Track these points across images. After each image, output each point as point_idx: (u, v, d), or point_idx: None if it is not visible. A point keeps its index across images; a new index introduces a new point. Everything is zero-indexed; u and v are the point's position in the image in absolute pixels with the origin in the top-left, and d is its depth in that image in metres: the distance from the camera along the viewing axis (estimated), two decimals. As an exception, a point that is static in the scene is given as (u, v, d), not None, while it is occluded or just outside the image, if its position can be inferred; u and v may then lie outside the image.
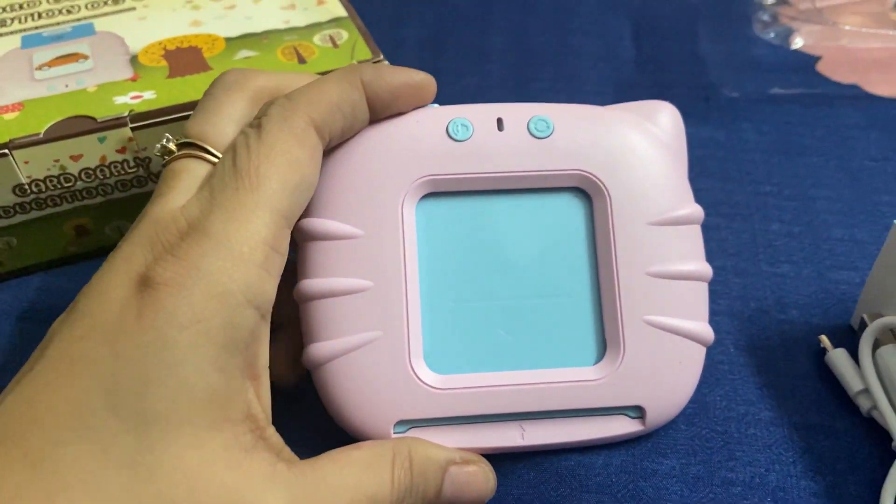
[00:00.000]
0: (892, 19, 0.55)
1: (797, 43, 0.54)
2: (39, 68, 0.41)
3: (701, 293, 0.33)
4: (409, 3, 0.61)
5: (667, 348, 0.32)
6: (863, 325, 0.35)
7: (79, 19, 0.45)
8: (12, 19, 0.45)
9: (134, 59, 0.42)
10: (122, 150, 0.38)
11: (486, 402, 0.31)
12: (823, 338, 0.36)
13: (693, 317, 0.33)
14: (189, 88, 0.39)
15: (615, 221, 0.33)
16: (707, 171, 0.46)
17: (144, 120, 0.38)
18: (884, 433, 0.33)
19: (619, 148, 0.34)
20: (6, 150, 0.36)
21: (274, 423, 0.29)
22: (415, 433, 0.31)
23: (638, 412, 0.32)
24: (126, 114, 0.38)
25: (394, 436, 0.31)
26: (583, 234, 0.34)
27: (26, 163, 0.37)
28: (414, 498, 0.29)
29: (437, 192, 0.33)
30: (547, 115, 0.34)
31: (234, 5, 0.45)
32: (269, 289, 0.28)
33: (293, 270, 0.32)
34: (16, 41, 0.43)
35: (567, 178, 0.33)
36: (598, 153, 0.33)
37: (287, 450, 0.28)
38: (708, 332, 0.33)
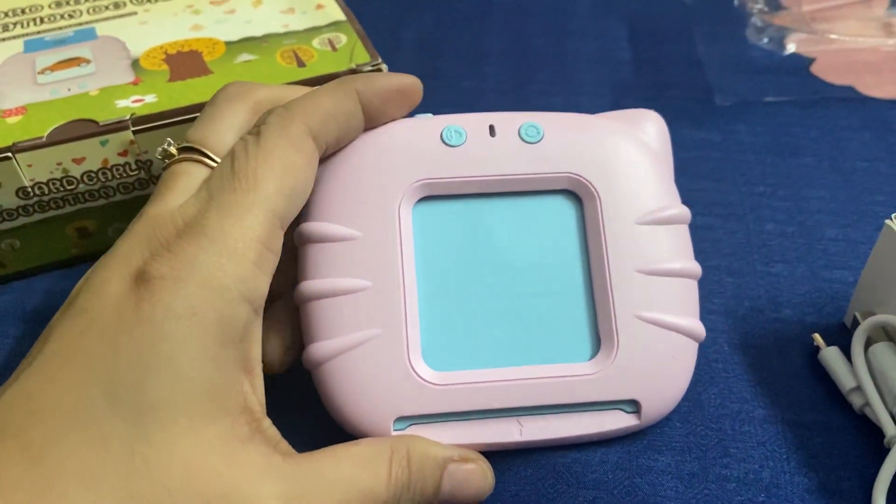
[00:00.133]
0: (882, 25, 0.55)
1: (790, 48, 0.54)
2: (42, 72, 0.41)
3: (690, 290, 0.34)
4: (407, 6, 0.62)
5: (659, 343, 0.33)
6: (855, 324, 0.36)
7: (80, 24, 0.45)
8: (15, 24, 0.46)
9: (135, 63, 0.42)
10: (123, 153, 0.38)
11: (484, 397, 0.32)
12: (816, 336, 0.36)
13: (684, 313, 0.34)
14: (190, 92, 0.40)
15: (605, 222, 0.34)
16: (702, 172, 0.47)
17: (146, 123, 0.38)
18: (876, 430, 0.34)
19: (608, 152, 0.35)
20: (9, 154, 0.37)
21: (275, 424, 0.29)
22: (414, 430, 0.32)
23: (633, 407, 0.33)
24: (128, 117, 0.38)
25: (394, 433, 0.32)
26: (574, 234, 0.35)
27: (29, 166, 0.37)
28: (412, 495, 0.29)
29: (433, 196, 0.34)
30: (537, 121, 0.35)
31: (235, 9, 0.46)
32: (261, 285, 0.29)
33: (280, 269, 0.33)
34: (18, 46, 0.44)
35: (558, 180, 0.34)
36: (586, 157, 0.34)
37: (284, 442, 0.29)
38: (699, 328, 0.34)
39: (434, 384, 0.32)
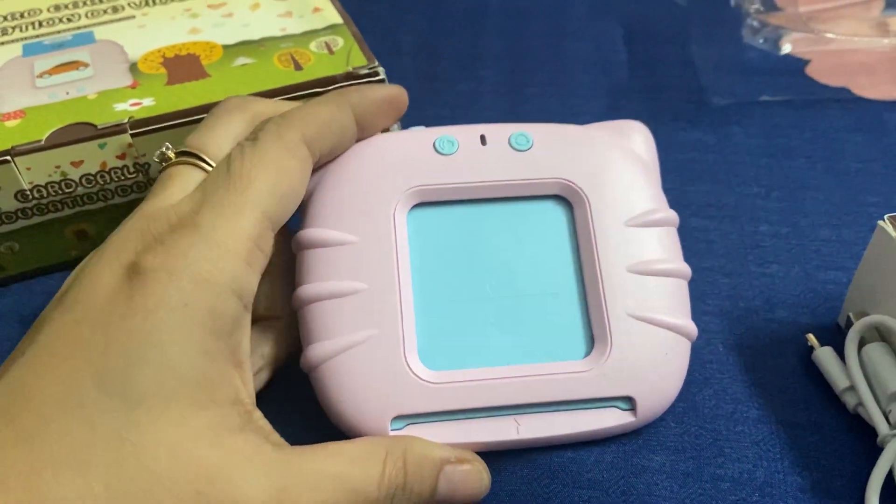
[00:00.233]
0: (878, 25, 0.56)
1: (786, 48, 0.55)
2: (41, 76, 0.42)
3: (680, 290, 0.35)
4: (404, 10, 0.62)
5: (651, 341, 0.33)
6: (849, 324, 0.36)
7: (79, 27, 0.46)
8: (14, 28, 0.46)
9: (133, 67, 0.42)
10: (121, 156, 0.39)
11: (480, 394, 0.32)
12: (810, 336, 0.37)
13: (675, 311, 0.34)
14: (188, 95, 0.40)
15: (595, 224, 0.35)
16: (696, 174, 0.47)
17: (144, 126, 0.38)
18: (869, 429, 0.34)
19: (596, 158, 0.36)
20: (8, 157, 0.37)
21: (274, 427, 0.30)
22: (412, 430, 0.32)
23: (629, 404, 0.33)
24: (126, 120, 0.38)
25: (391, 433, 0.32)
26: (566, 236, 0.36)
27: (28, 169, 0.38)
28: (407, 496, 0.29)
29: (427, 203, 0.35)
30: (526, 131, 0.36)
31: (232, 13, 0.46)
32: (251, 281, 0.30)
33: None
34: (17, 49, 0.44)
35: (548, 185, 0.36)
36: (575, 163, 0.36)
37: (276, 434, 0.29)
38: (691, 327, 0.34)
39: (430, 382, 0.32)
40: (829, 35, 0.54)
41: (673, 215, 0.36)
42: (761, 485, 0.33)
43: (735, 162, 0.48)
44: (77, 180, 0.39)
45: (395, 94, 0.36)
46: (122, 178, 0.39)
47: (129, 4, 0.47)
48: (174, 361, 0.27)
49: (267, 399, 0.32)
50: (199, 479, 0.26)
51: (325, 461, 0.28)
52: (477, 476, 0.31)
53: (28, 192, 0.38)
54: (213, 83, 0.41)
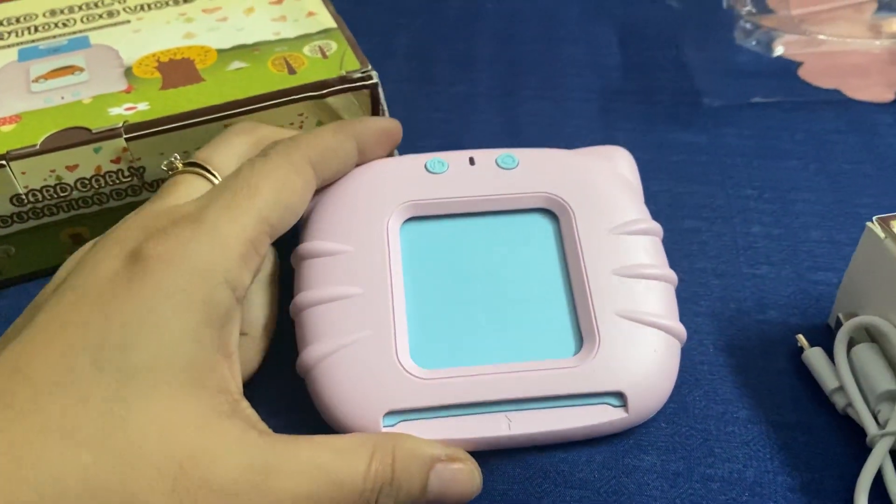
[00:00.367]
0: (870, 28, 0.56)
1: (778, 50, 0.55)
2: (36, 81, 0.42)
3: (667, 293, 0.36)
4: (398, 14, 0.62)
5: (639, 338, 0.34)
6: (839, 325, 0.36)
7: (74, 32, 0.46)
8: (9, 33, 0.46)
9: (128, 72, 0.42)
10: (116, 161, 0.39)
11: (471, 389, 0.33)
12: (800, 337, 0.37)
13: (662, 312, 0.35)
14: (182, 100, 0.40)
15: (580, 232, 0.37)
16: (689, 176, 0.47)
17: (138, 131, 0.38)
18: (858, 430, 0.34)
19: (579, 174, 0.39)
20: (4, 162, 0.37)
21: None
22: (404, 426, 0.32)
23: (620, 400, 0.33)
24: (120, 125, 0.38)
25: (383, 429, 0.32)
26: (552, 245, 0.37)
27: (23, 173, 0.38)
28: (396, 492, 0.30)
29: (419, 216, 0.37)
30: (512, 153, 0.39)
31: (227, 17, 0.46)
32: (245, 278, 0.31)
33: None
34: (13, 54, 0.44)
35: (534, 199, 0.38)
36: (559, 179, 0.38)
37: (263, 424, 0.30)
38: (679, 328, 0.35)
39: (421, 378, 0.33)
40: (821, 37, 0.54)
41: (657, 226, 0.38)
42: (751, 484, 0.33)
43: (728, 163, 0.48)
44: (72, 184, 0.39)
45: (393, 127, 0.39)
46: (117, 181, 0.40)
47: (124, 9, 0.48)
48: (168, 344, 0.28)
49: (263, 406, 0.32)
50: (183, 456, 0.26)
51: (311, 451, 0.29)
52: (469, 475, 0.31)
53: (23, 196, 0.39)
54: (207, 87, 0.41)
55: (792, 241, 0.43)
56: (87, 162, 0.39)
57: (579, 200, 0.38)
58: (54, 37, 0.46)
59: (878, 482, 0.32)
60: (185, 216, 0.31)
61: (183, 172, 0.34)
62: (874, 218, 0.34)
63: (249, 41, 0.44)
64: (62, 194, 0.39)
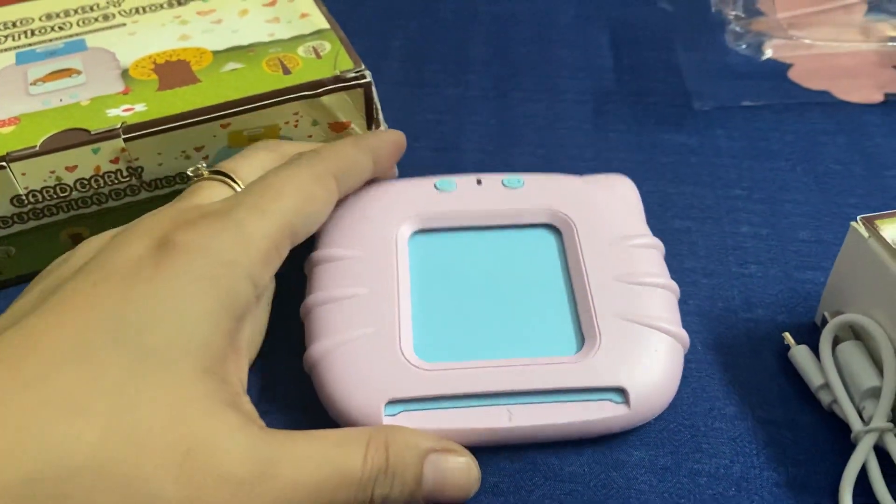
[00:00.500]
0: (860, 30, 0.56)
1: (768, 53, 0.55)
2: (34, 83, 0.42)
3: (669, 300, 0.37)
4: (393, 16, 0.63)
5: (641, 338, 0.35)
6: (824, 323, 0.36)
7: (71, 36, 0.46)
8: (6, 37, 0.46)
9: (125, 73, 0.43)
10: (115, 161, 0.39)
11: (472, 380, 0.33)
12: (787, 335, 0.37)
13: (663, 316, 0.35)
14: (178, 100, 0.41)
15: (582, 244, 0.38)
16: (680, 177, 0.48)
17: (136, 131, 0.39)
18: (843, 426, 0.35)
19: (582, 193, 0.40)
20: (4, 163, 0.38)
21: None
22: (405, 416, 0.33)
23: (622, 396, 0.34)
24: (118, 126, 0.39)
25: (384, 418, 0.33)
26: (555, 255, 0.39)
27: (23, 174, 0.38)
28: (391, 482, 0.30)
29: (427, 229, 0.39)
30: (518, 176, 0.41)
31: (221, 19, 0.47)
32: (266, 277, 0.32)
33: None
34: (10, 58, 0.45)
35: (538, 213, 0.40)
36: (563, 197, 0.40)
37: (261, 421, 0.30)
38: (681, 333, 0.35)
39: (424, 369, 0.34)
40: (807, 41, 0.55)
41: (658, 242, 0.39)
42: (738, 479, 0.33)
43: (718, 164, 0.48)
44: (72, 185, 0.39)
45: (401, 139, 0.41)
46: (116, 181, 0.40)
47: (119, 13, 0.48)
48: (187, 326, 0.28)
49: (266, 407, 0.33)
50: (189, 441, 0.27)
51: (309, 444, 0.29)
52: (465, 468, 0.32)
53: (24, 197, 0.39)
54: (203, 88, 0.42)
55: (780, 241, 0.43)
56: (86, 162, 0.39)
57: (582, 217, 0.39)
58: (51, 40, 0.46)
59: (863, 477, 0.32)
60: (213, 212, 0.32)
61: (208, 179, 0.36)
62: (858, 218, 0.35)
63: (244, 42, 0.45)
64: (62, 195, 0.40)
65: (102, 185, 0.40)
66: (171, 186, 0.42)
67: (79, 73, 0.43)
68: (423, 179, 0.41)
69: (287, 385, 0.37)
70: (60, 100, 0.41)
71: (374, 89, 0.42)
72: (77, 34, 0.46)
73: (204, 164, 0.36)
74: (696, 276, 0.42)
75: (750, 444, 0.35)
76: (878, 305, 0.34)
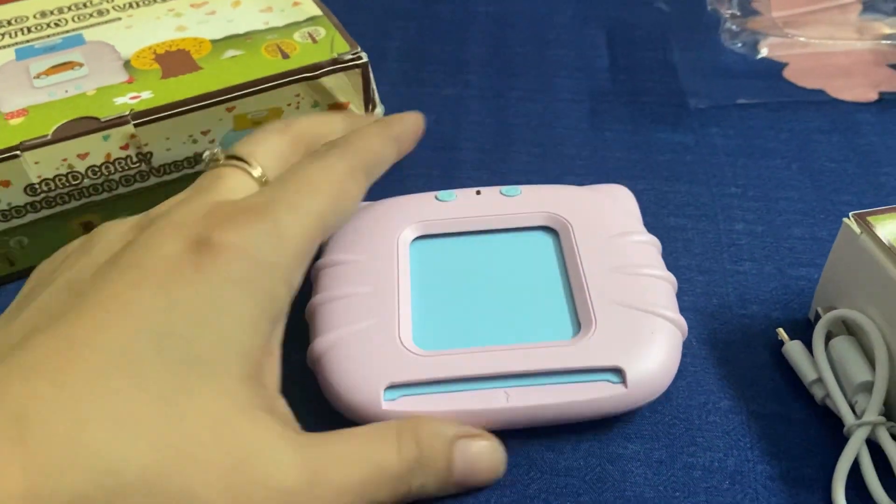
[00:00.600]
0: (856, 29, 0.57)
1: (763, 52, 0.56)
2: (38, 77, 0.43)
3: (665, 289, 0.37)
4: (391, 17, 0.63)
5: (637, 321, 0.35)
6: (818, 318, 0.37)
7: (67, 31, 0.47)
8: (3, 34, 0.47)
9: (127, 64, 0.43)
10: (125, 147, 0.40)
11: (469, 363, 0.34)
12: (780, 331, 0.38)
13: (659, 301, 0.36)
14: (183, 87, 0.42)
15: (579, 241, 0.38)
16: (675, 175, 0.48)
17: (145, 117, 0.40)
18: (836, 420, 0.35)
19: (579, 198, 0.41)
20: (18, 152, 0.38)
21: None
22: (405, 400, 0.33)
23: (619, 377, 0.34)
24: (128, 112, 0.40)
25: (384, 402, 0.33)
26: (552, 254, 0.39)
27: (37, 163, 0.39)
28: (424, 471, 0.30)
29: (428, 235, 0.40)
30: (517, 186, 0.42)
31: (215, 11, 0.48)
32: (300, 277, 0.32)
33: None
34: (10, 54, 0.45)
35: (535, 217, 0.40)
36: (560, 202, 0.41)
37: (295, 422, 0.30)
38: (678, 318, 0.36)
39: (422, 354, 0.34)
40: (802, 40, 0.55)
41: (655, 240, 0.39)
42: (732, 473, 0.34)
43: (713, 162, 0.49)
44: (83, 172, 0.40)
45: (421, 121, 0.41)
46: (126, 168, 0.41)
47: (113, 7, 0.48)
48: (230, 333, 0.28)
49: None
50: (239, 454, 0.26)
51: (345, 443, 0.29)
52: (491, 450, 0.32)
53: (37, 186, 0.39)
54: (206, 74, 0.42)
55: (774, 238, 0.44)
56: (97, 150, 0.40)
57: (579, 219, 0.40)
58: (48, 36, 0.46)
59: (856, 470, 0.32)
60: (249, 208, 0.31)
61: (225, 165, 0.34)
62: (850, 214, 0.35)
63: (240, 31, 0.46)
64: (74, 182, 0.40)
65: (113, 171, 0.41)
66: (180, 171, 0.43)
67: (81, 65, 0.44)
68: (423, 193, 0.42)
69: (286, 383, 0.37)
70: (66, 91, 0.42)
71: (370, 70, 0.44)
72: (74, 29, 0.47)
73: (220, 149, 0.35)
74: (692, 273, 0.42)
75: (744, 437, 0.35)
76: (871, 301, 0.34)
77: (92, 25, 0.47)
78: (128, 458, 0.24)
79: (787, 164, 0.48)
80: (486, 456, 0.32)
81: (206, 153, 0.35)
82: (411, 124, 0.40)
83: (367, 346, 0.34)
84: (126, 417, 0.25)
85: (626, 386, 0.33)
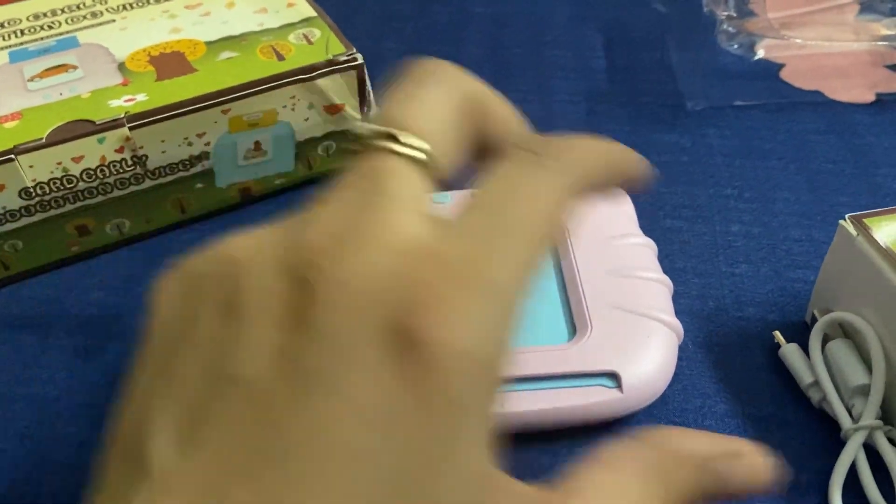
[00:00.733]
0: (852, 30, 0.57)
1: (760, 53, 0.56)
2: (32, 80, 0.43)
3: (661, 290, 0.37)
4: (388, 18, 0.63)
5: (632, 325, 0.35)
6: (814, 321, 0.37)
7: (61, 34, 0.47)
8: None
9: (121, 66, 0.43)
10: (119, 150, 0.40)
11: None
12: (777, 333, 0.38)
13: (654, 303, 0.36)
14: (178, 89, 0.42)
15: (573, 243, 0.38)
16: (672, 176, 0.48)
17: (140, 120, 0.40)
18: (833, 423, 0.35)
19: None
20: (12, 156, 0.38)
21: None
22: None
23: (614, 381, 0.34)
24: (122, 115, 0.40)
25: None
26: (547, 256, 0.38)
27: (31, 167, 0.39)
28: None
29: None
30: None
31: (209, 12, 0.48)
32: None
33: None
34: (4, 57, 0.45)
35: None
36: None
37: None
38: (673, 321, 0.36)
39: None
40: (799, 41, 0.55)
41: (651, 242, 0.39)
42: (728, 476, 0.34)
43: (709, 164, 0.49)
44: (78, 175, 0.40)
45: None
46: (121, 171, 0.41)
47: (107, 10, 0.48)
48: (470, 471, 0.20)
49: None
50: None
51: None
52: (750, 469, 0.24)
53: (31, 190, 0.39)
54: (201, 76, 0.42)
55: (771, 240, 0.44)
56: (91, 153, 0.39)
57: (576, 221, 0.39)
58: (42, 38, 0.46)
59: (853, 474, 0.32)
60: (458, 273, 0.20)
61: (378, 148, 0.22)
62: (847, 216, 0.35)
63: (235, 33, 0.46)
64: (68, 186, 0.40)
65: (108, 174, 0.41)
66: (175, 174, 0.42)
67: (75, 68, 0.43)
68: None
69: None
70: (61, 94, 0.42)
71: (366, 71, 0.44)
72: (68, 32, 0.47)
73: (365, 124, 0.23)
74: (688, 275, 0.42)
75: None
76: (867, 303, 0.34)
77: (86, 27, 0.47)
78: None
79: (784, 165, 0.48)
80: (741, 474, 0.24)
81: (350, 131, 0.26)
82: (636, 164, 0.27)
83: None
84: None
85: (621, 391, 0.33)
